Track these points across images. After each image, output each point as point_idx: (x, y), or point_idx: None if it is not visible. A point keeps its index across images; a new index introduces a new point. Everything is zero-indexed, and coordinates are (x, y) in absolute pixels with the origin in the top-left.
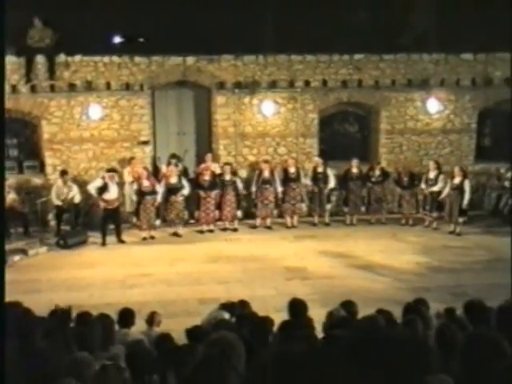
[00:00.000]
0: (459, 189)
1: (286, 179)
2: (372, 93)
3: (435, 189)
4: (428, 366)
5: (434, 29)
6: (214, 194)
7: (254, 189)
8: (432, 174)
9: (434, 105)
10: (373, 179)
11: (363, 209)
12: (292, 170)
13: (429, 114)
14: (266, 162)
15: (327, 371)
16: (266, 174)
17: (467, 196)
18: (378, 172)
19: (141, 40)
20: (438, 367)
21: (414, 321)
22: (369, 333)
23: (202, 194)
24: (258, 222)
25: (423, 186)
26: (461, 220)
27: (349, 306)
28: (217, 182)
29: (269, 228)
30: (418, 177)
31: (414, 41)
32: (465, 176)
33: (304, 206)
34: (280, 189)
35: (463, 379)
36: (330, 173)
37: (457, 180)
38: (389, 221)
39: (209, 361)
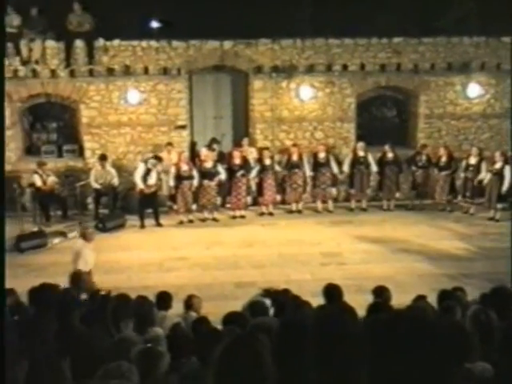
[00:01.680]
0: (499, 174)
1: (316, 164)
2: (411, 77)
3: (481, 177)
4: (468, 353)
5: (475, 11)
6: (245, 179)
7: (283, 173)
8: (473, 160)
9: (474, 89)
10: (420, 164)
11: (398, 194)
12: (322, 155)
13: (469, 98)
14: (295, 145)
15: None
16: (295, 157)
17: (507, 182)
18: (424, 157)
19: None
20: (478, 354)
21: (452, 307)
22: (411, 318)
23: (232, 179)
24: (293, 206)
25: (462, 172)
26: (500, 206)
27: (381, 291)
28: (248, 166)
29: (299, 212)
30: (456, 161)
31: (455, 23)
32: (506, 161)
33: (334, 191)
34: (309, 173)
35: (504, 367)
36: (371, 158)
37: (497, 165)
38: (426, 207)
39: (239, 341)
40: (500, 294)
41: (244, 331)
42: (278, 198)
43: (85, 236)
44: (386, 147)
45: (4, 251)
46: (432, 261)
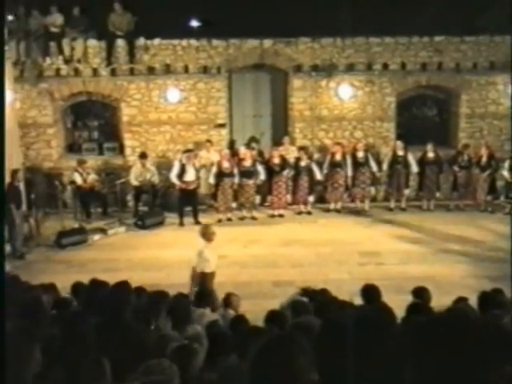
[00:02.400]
0: None
1: (355, 163)
2: (452, 76)
3: None
4: (510, 355)
5: None
6: (285, 177)
7: (325, 171)
8: None
9: None
10: (462, 164)
11: (438, 194)
12: (361, 154)
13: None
14: (338, 144)
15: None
16: (338, 157)
17: None
18: (466, 157)
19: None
20: None
21: (493, 310)
22: (452, 320)
23: (273, 178)
24: (331, 205)
25: (505, 172)
26: None
27: (421, 292)
28: (287, 165)
29: (338, 211)
30: (497, 161)
31: (497, 22)
32: None
33: (373, 190)
34: (351, 173)
35: None
36: (411, 157)
37: None
38: (467, 207)
39: (274, 342)
40: None
41: (283, 330)
42: (311, 198)
43: (205, 236)
44: (429, 147)
45: (4, 251)
46: (472, 262)
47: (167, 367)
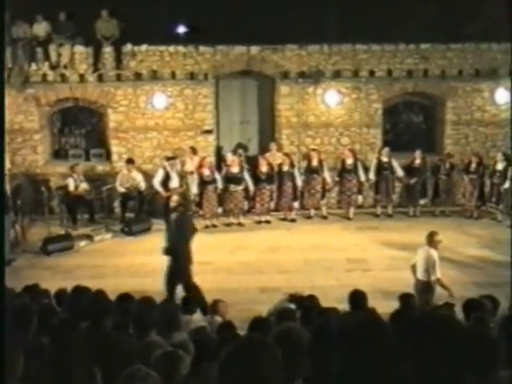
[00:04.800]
0: None
1: (343, 170)
2: (438, 83)
3: (506, 186)
4: (494, 361)
5: (504, 17)
6: (271, 186)
7: (302, 177)
8: (500, 166)
9: (502, 95)
10: (444, 172)
11: (422, 201)
12: (349, 161)
13: (497, 104)
14: (314, 150)
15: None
16: (315, 162)
17: None
18: (448, 164)
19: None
20: (504, 363)
21: (479, 316)
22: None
23: (257, 185)
24: (311, 212)
25: (489, 178)
26: None
27: (408, 298)
28: (274, 174)
29: (325, 218)
30: (484, 167)
31: (483, 29)
32: None
33: (360, 198)
34: (329, 179)
35: None
36: (396, 163)
37: None
38: (453, 213)
39: (242, 346)
40: None
41: (253, 336)
42: (296, 205)
43: (432, 243)
44: (417, 153)
45: (4, 251)
46: (459, 268)
47: (146, 374)
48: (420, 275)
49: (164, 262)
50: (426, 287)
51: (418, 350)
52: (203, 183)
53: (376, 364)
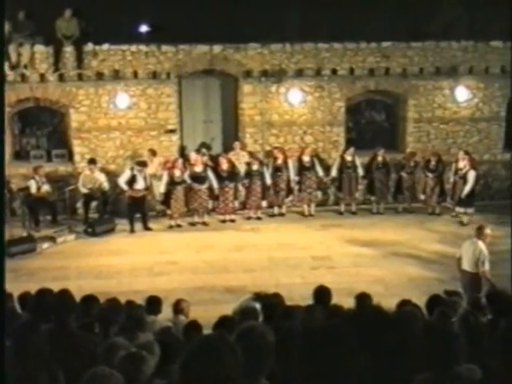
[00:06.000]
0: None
1: (301, 168)
2: (400, 81)
3: (468, 188)
4: (456, 355)
5: (463, 16)
6: (233, 184)
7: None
8: (462, 164)
9: (462, 93)
10: (408, 170)
11: (390, 198)
12: (307, 158)
13: (457, 102)
14: (277, 148)
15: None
16: (279, 161)
17: (469, 186)
18: (411, 162)
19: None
20: (466, 357)
21: (441, 311)
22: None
23: (220, 183)
24: (275, 210)
25: (451, 175)
26: (462, 210)
27: (363, 298)
28: (236, 172)
29: (282, 215)
30: (444, 164)
31: (443, 28)
32: (472, 165)
33: (319, 194)
34: (294, 177)
35: (492, 369)
36: (358, 161)
37: (463, 169)
38: (416, 210)
39: (201, 344)
40: (496, 296)
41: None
42: (264, 203)
43: (481, 236)
44: (380, 151)
45: (4, 251)
46: (422, 264)
47: (109, 374)
48: (468, 267)
49: (128, 263)
50: (473, 279)
51: (374, 349)
52: (173, 183)
53: (336, 362)
